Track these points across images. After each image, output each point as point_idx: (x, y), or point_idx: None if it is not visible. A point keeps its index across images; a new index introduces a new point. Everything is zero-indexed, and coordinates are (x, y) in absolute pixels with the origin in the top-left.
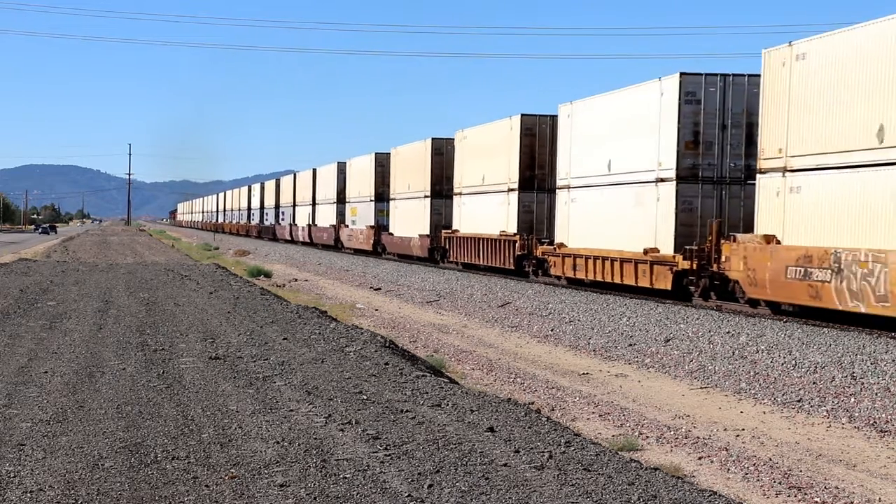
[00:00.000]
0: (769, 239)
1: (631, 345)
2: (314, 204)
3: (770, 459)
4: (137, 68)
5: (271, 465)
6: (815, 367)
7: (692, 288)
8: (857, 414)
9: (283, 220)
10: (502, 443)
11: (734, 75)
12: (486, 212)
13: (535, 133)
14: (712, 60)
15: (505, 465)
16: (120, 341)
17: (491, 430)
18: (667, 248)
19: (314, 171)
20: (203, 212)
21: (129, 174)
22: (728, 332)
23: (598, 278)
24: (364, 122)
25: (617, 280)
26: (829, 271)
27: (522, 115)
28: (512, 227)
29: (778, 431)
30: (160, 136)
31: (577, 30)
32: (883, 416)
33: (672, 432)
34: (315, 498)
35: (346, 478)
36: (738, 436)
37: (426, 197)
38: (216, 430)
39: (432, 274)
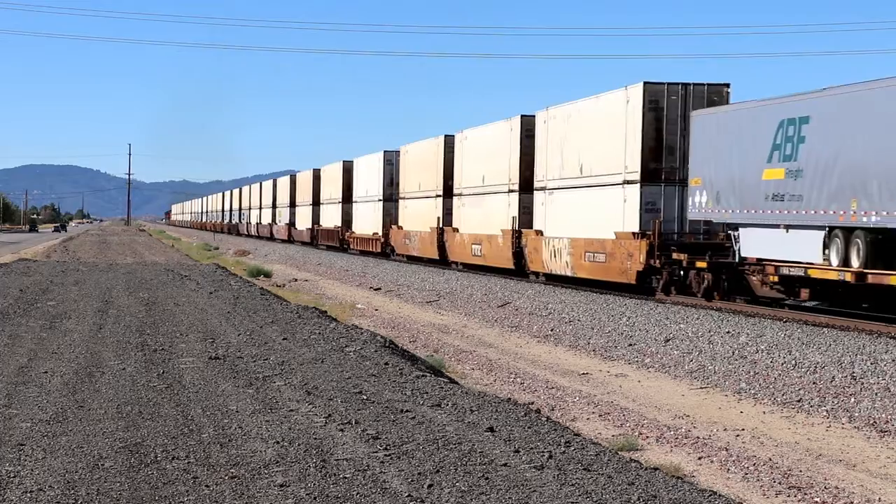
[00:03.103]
0: (400, 227)
1: (631, 345)
2: (261, 208)
3: (770, 459)
4: (137, 68)
5: (271, 465)
6: (815, 367)
7: (388, 251)
8: (857, 414)
9: (242, 219)
10: (502, 443)
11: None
12: (329, 213)
13: (350, 170)
14: (722, 60)
15: (505, 465)
16: (120, 341)
17: (491, 430)
18: (380, 232)
19: (261, 184)
20: (192, 212)
21: (129, 174)
22: (728, 332)
23: (361, 248)
24: (366, 122)
25: (367, 249)
26: (410, 239)
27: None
28: (338, 223)
29: (778, 431)
30: (160, 136)
31: (567, 30)
32: (883, 416)
33: (672, 432)
34: (315, 498)
35: (345, 478)
36: (737, 436)
37: (310, 205)
38: (216, 430)
39: (433, 274)
